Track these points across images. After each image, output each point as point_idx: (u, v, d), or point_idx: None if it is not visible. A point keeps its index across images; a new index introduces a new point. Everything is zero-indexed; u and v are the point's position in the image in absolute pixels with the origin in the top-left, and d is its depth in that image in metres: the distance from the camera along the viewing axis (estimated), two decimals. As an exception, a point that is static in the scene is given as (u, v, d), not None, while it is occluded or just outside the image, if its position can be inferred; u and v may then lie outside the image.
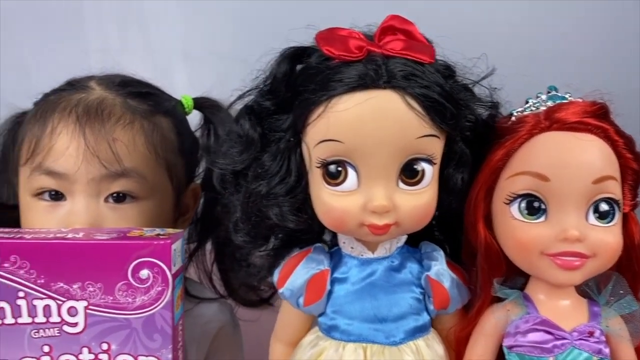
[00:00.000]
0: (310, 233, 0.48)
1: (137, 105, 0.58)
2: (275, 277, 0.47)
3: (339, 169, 0.42)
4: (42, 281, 0.46)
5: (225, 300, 0.65)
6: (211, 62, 1.04)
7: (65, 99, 0.57)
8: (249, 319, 0.70)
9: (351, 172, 0.42)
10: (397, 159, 0.41)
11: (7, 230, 0.50)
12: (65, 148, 0.54)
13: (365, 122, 0.40)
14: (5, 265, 0.46)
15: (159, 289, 0.46)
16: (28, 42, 1.05)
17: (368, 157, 0.41)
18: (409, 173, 0.42)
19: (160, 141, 0.58)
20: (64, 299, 0.46)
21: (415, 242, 0.48)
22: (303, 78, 0.43)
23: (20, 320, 0.46)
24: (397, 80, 0.40)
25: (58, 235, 0.48)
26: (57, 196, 0.55)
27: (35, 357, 0.47)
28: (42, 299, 0.46)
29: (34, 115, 0.58)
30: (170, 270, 0.46)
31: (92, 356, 0.47)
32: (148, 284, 0.46)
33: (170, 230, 0.50)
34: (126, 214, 0.55)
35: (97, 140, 0.54)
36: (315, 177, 0.43)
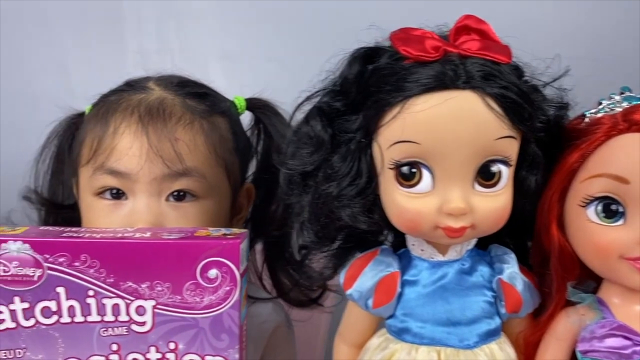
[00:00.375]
0: (378, 234, 0.47)
1: (196, 105, 0.58)
2: (342, 278, 0.47)
3: (413, 170, 0.41)
4: (112, 280, 0.46)
5: (278, 300, 0.65)
6: (248, 63, 1.04)
7: (125, 99, 0.57)
8: (300, 319, 0.70)
9: (426, 174, 0.41)
10: (474, 160, 0.41)
11: (75, 229, 0.50)
12: (128, 148, 0.54)
13: (443, 123, 0.40)
14: (76, 264, 0.46)
15: (227, 288, 0.46)
16: (68, 42, 1.06)
17: (444, 159, 0.40)
18: (486, 175, 0.41)
19: (218, 141, 0.58)
20: (132, 298, 0.46)
21: (482, 244, 0.48)
22: (376, 79, 0.42)
23: (89, 319, 0.46)
24: (475, 81, 0.40)
25: (126, 234, 0.48)
26: (118, 195, 0.56)
27: (103, 355, 0.47)
28: (110, 297, 0.46)
29: (94, 116, 0.58)
30: (238, 269, 0.46)
31: (160, 355, 0.47)
32: (216, 283, 0.46)
33: (236, 230, 0.50)
34: (186, 213, 0.55)
35: (159, 139, 0.54)
36: (388, 179, 0.43)
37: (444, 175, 0.41)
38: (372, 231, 0.45)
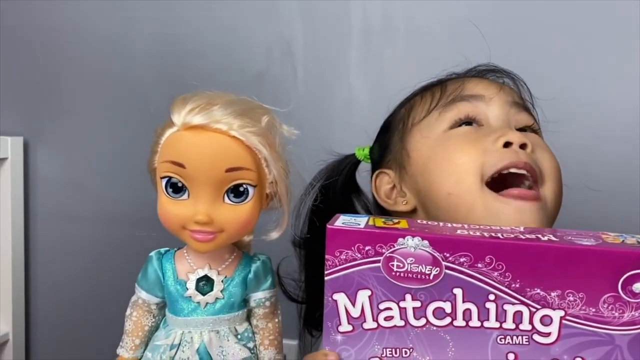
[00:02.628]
0: None
1: None
2: None
3: None
4: (517, 286, 0.42)
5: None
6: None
7: None
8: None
9: None
10: None
11: (478, 226, 0.47)
12: None
13: None
14: (478, 265, 0.43)
15: (656, 305, 0.41)
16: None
17: None
18: None
19: None
20: (538, 307, 0.42)
21: None
22: None
23: (486, 324, 0.43)
24: None
25: (529, 236, 0.44)
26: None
27: (497, 364, 0.45)
28: (514, 304, 0.42)
29: None
30: (672, 285, 0.41)
31: (563, 370, 0.44)
32: (642, 298, 0.41)
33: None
34: None
35: None
36: None
37: None
38: None
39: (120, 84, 1.06)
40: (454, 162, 0.55)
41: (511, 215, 0.52)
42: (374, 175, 0.64)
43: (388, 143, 0.63)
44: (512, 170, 0.54)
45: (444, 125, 0.57)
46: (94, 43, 1.05)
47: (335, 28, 0.97)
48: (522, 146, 0.55)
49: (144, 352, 0.54)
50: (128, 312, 0.54)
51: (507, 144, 0.55)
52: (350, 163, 0.68)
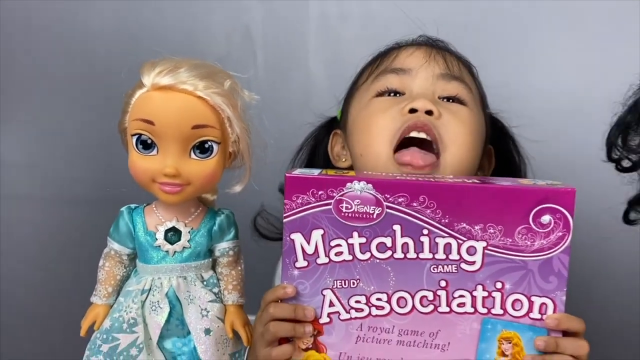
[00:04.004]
0: None
1: None
2: None
3: None
4: (446, 221, 0.50)
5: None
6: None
7: None
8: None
9: None
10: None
11: (413, 173, 0.55)
12: None
13: None
14: (414, 204, 0.50)
15: (560, 234, 0.49)
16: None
17: None
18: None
19: None
20: (464, 239, 0.50)
21: None
22: None
23: (421, 256, 0.51)
24: None
25: (456, 180, 0.52)
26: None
27: (431, 291, 0.51)
28: (444, 237, 0.50)
29: None
30: (572, 216, 0.48)
31: (486, 293, 0.50)
32: (549, 229, 0.49)
33: (557, 182, 0.52)
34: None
35: None
36: None
37: None
38: None
39: (79, 66, 1.08)
40: (367, 127, 0.62)
41: None
42: (331, 135, 0.71)
43: (345, 105, 0.70)
44: (413, 134, 0.59)
45: (371, 94, 0.64)
46: (54, 25, 1.07)
47: (294, 13, 1.02)
48: (429, 112, 0.60)
49: (116, 299, 0.58)
50: (101, 263, 0.59)
51: (412, 110, 0.60)
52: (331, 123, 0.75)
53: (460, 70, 0.65)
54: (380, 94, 0.64)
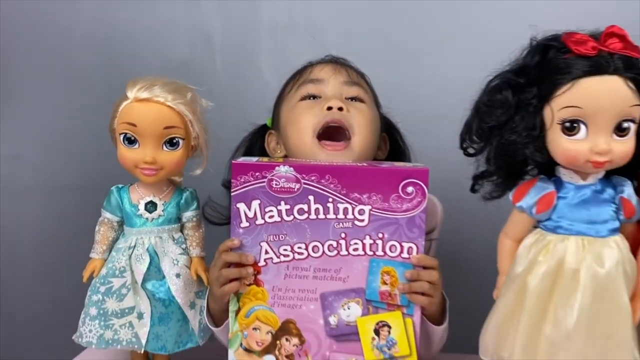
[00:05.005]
0: (540, 168, 0.69)
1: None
2: (512, 195, 0.69)
3: (574, 125, 0.64)
4: (344, 192, 0.72)
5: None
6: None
7: None
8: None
9: (582, 127, 0.64)
10: (614, 119, 0.63)
11: (324, 160, 0.78)
12: None
13: (598, 95, 0.62)
14: (322, 181, 0.72)
15: (419, 199, 0.71)
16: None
17: (596, 117, 0.63)
18: (620, 129, 0.64)
19: None
20: (356, 204, 0.72)
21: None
22: (552, 66, 0.64)
23: (328, 217, 0.73)
24: (620, 69, 0.62)
25: (351, 164, 0.75)
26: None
27: (335, 240, 0.73)
28: (343, 203, 0.72)
29: None
30: (427, 188, 0.70)
31: (372, 241, 0.73)
32: (412, 196, 0.71)
33: (419, 164, 0.74)
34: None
35: None
36: (556, 130, 0.65)
37: (595, 128, 0.63)
38: (538, 164, 0.67)
39: (59, 60, 1.22)
40: (297, 123, 0.84)
41: (325, 158, 0.81)
42: (267, 135, 0.91)
43: (275, 111, 0.91)
44: (331, 124, 0.82)
45: (296, 99, 0.86)
46: (35, 25, 1.20)
47: (248, 24, 1.20)
48: (340, 109, 0.83)
49: (109, 254, 0.78)
50: (97, 228, 0.79)
51: (329, 108, 0.83)
52: (262, 129, 0.95)
53: (359, 78, 0.88)
54: (303, 99, 0.86)
